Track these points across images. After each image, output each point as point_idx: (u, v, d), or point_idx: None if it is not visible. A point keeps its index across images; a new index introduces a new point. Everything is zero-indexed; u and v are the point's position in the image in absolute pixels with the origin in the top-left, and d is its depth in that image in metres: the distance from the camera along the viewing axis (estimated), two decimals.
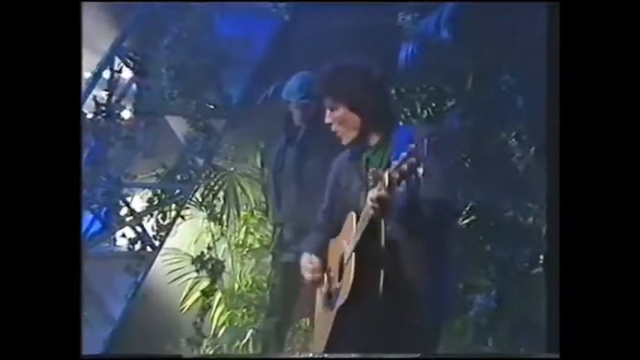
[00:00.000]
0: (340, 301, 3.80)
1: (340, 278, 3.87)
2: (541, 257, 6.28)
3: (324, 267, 4.08)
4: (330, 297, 3.97)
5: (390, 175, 3.55)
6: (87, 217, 6.65)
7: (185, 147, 7.22)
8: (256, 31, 7.31)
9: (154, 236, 6.98)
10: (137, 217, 6.93)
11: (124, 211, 6.91)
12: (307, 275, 4.07)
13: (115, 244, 6.89)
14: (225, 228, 7.35)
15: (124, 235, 6.92)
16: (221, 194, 7.42)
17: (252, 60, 7.34)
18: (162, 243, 6.99)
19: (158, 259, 7.13)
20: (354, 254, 3.75)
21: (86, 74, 6.59)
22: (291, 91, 6.07)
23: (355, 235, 3.78)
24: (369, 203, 3.62)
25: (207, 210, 7.37)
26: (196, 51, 7.06)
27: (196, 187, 7.27)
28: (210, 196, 7.38)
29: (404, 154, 3.51)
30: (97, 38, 6.74)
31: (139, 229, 6.92)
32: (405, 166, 3.51)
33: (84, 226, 6.50)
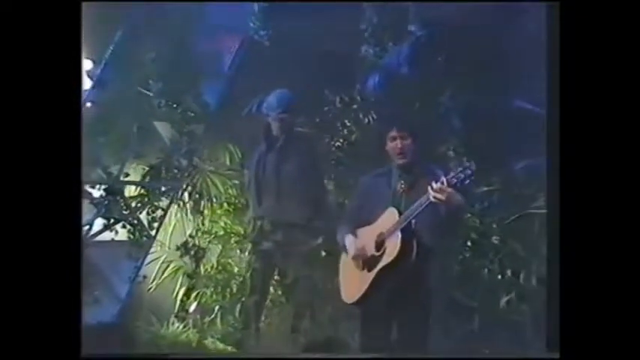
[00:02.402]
0: (384, 261, 4.33)
1: (379, 249, 4.53)
2: (468, 244, 6.03)
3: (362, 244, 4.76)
4: (366, 262, 4.56)
5: (448, 180, 4.27)
6: (92, 210, 6.38)
7: (170, 149, 6.81)
8: (232, 46, 6.96)
9: (148, 227, 6.67)
10: (132, 211, 6.62)
11: (121, 205, 6.56)
12: (352, 250, 4.57)
13: (116, 234, 6.58)
14: (197, 217, 6.92)
15: (124, 227, 6.62)
16: (197, 189, 6.96)
17: (228, 72, 6.98)
18: (156, 232, 6.70)
19: None
20: (399, 232, 4.42)
21: None
22: (271, 106, 5.92)
23: (406, 217, 4.40)
24: (432, 192, 4.25)
25: (185, 203, 6.89)
26: (177, 64, 6.69)
27: (181, 184, 6.83)
28: (189, 190, 6.92)
29: (460, 168, 4.29)
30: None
31: (135, 221, 6.62)
32: (462, 174, 4.23)
33: (89, 219, 6.31)
